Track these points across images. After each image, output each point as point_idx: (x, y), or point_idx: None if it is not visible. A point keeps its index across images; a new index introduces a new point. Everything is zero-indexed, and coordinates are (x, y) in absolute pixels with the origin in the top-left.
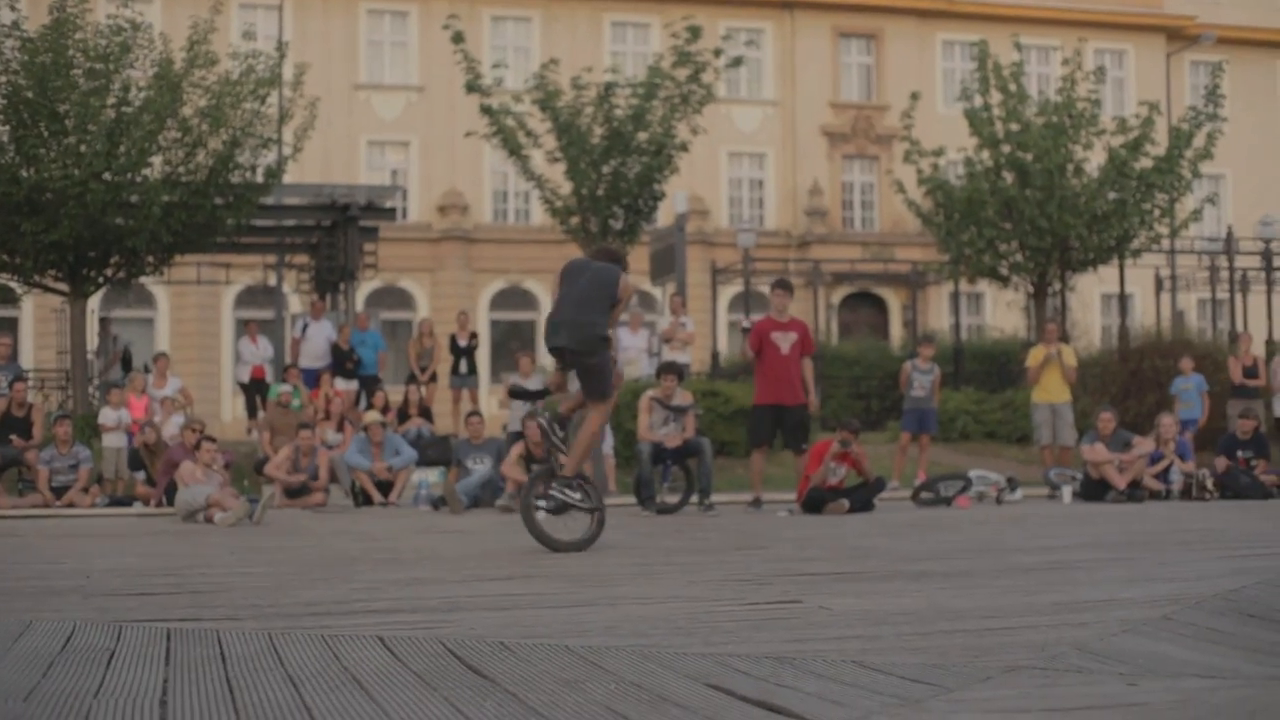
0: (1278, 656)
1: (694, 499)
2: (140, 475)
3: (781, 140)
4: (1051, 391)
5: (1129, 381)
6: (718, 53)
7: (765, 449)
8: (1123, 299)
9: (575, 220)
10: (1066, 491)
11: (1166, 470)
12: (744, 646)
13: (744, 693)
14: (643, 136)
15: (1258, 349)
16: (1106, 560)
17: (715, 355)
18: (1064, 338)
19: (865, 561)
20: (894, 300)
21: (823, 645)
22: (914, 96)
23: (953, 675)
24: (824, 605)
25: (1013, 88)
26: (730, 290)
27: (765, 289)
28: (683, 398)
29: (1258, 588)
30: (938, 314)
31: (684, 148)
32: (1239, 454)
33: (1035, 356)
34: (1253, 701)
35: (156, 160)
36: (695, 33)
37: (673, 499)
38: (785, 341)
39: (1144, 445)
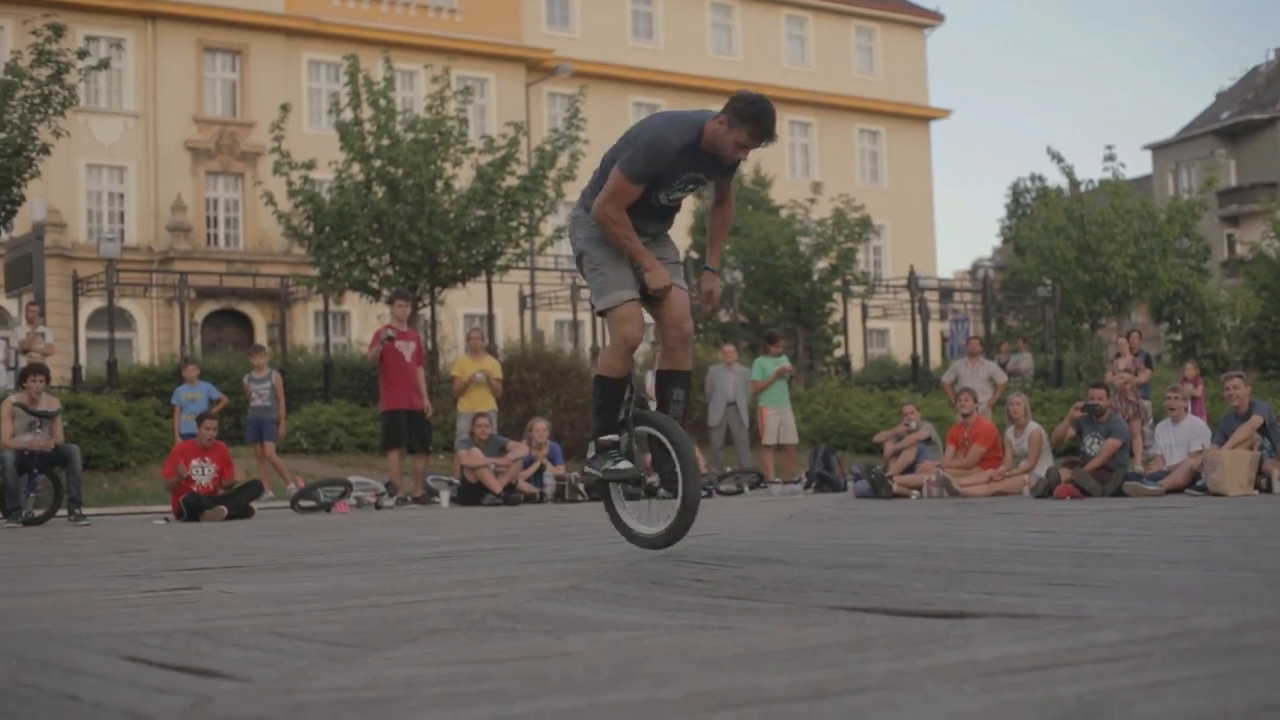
0: (690, 612)
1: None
2: None
3: (143, 153)
4: (476, 401)
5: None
6: (82, 54)
7: (402, 450)
8: (491, 316)
9: None
10: (445, 496)
11: (540, 473)
12: (151, 626)
13: (164, 661)
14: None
15: None
16: (496, 549)
17: (77, 370)
18: (490, 349)
19: (255, 557)
20: (259, 318)
21: (235, 622)
22: (284, 108)
23: (377, 639)
24: (225, 590)
25: (383, 103)
26: (91, 304)
27: (128, 303)
28: (49, 403)
29: (653, 561)
30: (304, 331)
31: (46, 150)
32: None
33: (464, 368)
34: (680, 645)
35: None
36: (58, 31)
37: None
38: (408, 350)
39: (519, 450)
